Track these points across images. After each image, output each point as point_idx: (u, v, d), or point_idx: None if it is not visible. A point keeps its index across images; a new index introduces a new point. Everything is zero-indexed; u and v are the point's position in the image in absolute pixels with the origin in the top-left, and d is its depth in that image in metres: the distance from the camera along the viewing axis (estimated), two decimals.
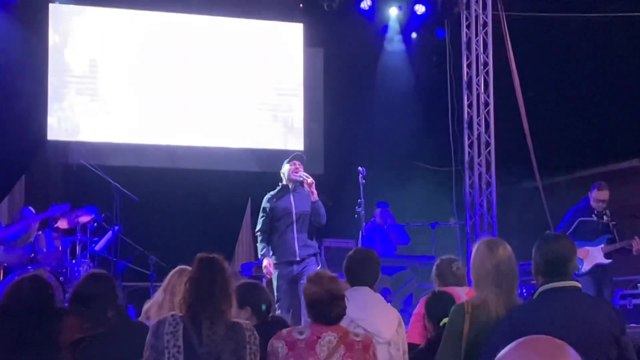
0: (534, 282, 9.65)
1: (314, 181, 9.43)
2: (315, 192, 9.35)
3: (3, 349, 5.03)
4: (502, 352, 2.02)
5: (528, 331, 2.12)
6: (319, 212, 9.40)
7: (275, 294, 9.06)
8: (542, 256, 4.50)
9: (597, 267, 10.18)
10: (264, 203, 9.52)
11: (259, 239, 9.45)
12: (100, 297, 5.15)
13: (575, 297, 4.43)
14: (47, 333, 5.03)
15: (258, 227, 9.51)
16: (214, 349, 4.51)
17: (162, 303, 5.58)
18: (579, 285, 4.50)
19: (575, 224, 10.32)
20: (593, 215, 10.42)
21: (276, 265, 9.22)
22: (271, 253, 9.31)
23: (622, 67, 13.31)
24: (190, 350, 4.51)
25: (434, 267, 6.50)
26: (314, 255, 9.40)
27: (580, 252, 10.05)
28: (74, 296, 5.33)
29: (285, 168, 9.59)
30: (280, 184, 9.61)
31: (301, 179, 9.40)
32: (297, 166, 9.53)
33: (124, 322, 5.16)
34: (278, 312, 8.74)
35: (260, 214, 9.52)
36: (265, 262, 9.23)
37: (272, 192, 9.58)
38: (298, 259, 9.23)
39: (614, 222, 10.39)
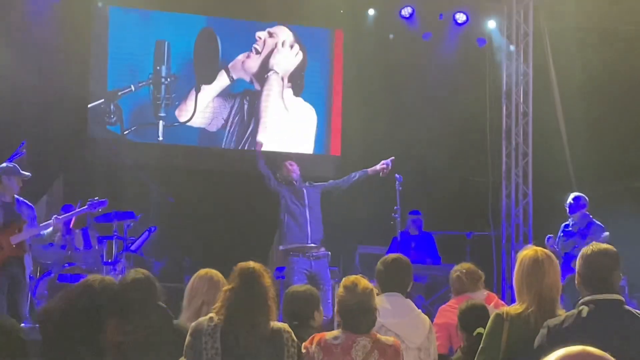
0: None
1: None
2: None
3: (50, 350, 5.05)
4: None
5: (567, 343, 2.10)
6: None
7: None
8: (586, 268, 4.48)
9: None
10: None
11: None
12: (141, 300, 5.11)
13: (617, 310, 4.39)
14: (89, 334, 5.02)
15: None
16: (252, 353, 4.57)
17: (189, 307, 5.63)
18: (622, 298, 4.46)
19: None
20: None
21: (287, 253, 9.82)
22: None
23: None
24: (229, 353, 4.56)
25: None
26: (325, 250, 10.42)
27: None
28: (116, 299, 5.32)
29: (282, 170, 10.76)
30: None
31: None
32: (293, 166, 10.75)
33: (167, 325, 5.10)
34: None
35: None
36: None
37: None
38: (310, 243, 10.03)
39: None
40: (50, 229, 9.54)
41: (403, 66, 14.52)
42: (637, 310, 4.46)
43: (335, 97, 14.64)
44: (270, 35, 14.38)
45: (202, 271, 5.75)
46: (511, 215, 14.21)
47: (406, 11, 14.14)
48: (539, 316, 4.56)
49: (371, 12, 14.40)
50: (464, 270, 6.63)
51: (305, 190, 10.62)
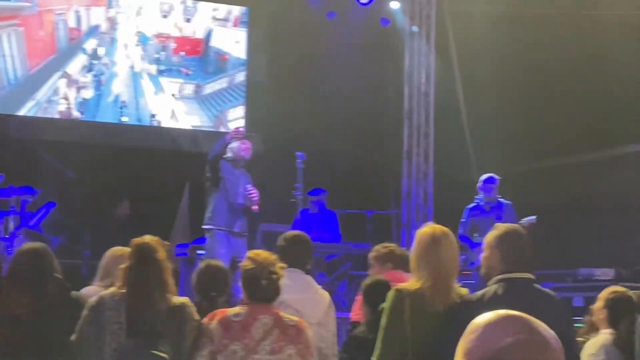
0: (465, 272, 9.81)
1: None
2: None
3: None
4: (481, 319, 1.98)
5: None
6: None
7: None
8: (499, 247, 4.64)
9: None
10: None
11: None
12: (38, 270, 5.12)
13: (528, 289, 4.58)
14: None
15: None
16: (156, 328, 4.57)
17: (100, 283, 5.62)
18: (533, 277, 4.61)
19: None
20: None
21: (217, 232, 9.47)
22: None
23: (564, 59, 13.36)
24: (133, 327, 4.57)
25: (379, 251, 6.60)
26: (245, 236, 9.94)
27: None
28: (12, 271, 5.27)
29: (235, 144, 9.93)
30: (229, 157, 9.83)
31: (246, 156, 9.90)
32: (248, 145, 10.01)
33: (64, 295, 5.12)
34: None
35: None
36: None
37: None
38: (237, 230, 9.61)
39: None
40: None
41: (307, 45, 14.51)
42: (546, 289, 4.65)
43: (239, 72, 14.58)
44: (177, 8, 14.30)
45: (117, 250, 5.71)
46: (412, 194, 14.37)
47: None
48: (434, 291, 4.63)
49: None
50: (400, 250, 6.61)
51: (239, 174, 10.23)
